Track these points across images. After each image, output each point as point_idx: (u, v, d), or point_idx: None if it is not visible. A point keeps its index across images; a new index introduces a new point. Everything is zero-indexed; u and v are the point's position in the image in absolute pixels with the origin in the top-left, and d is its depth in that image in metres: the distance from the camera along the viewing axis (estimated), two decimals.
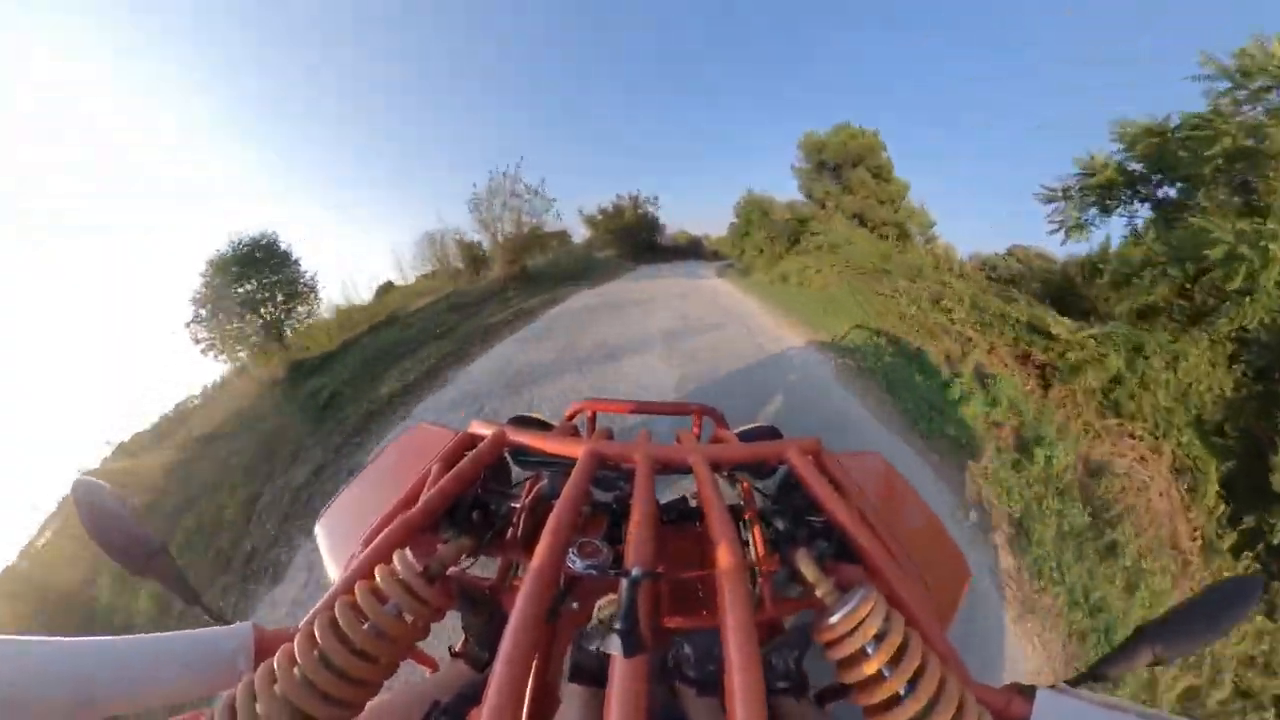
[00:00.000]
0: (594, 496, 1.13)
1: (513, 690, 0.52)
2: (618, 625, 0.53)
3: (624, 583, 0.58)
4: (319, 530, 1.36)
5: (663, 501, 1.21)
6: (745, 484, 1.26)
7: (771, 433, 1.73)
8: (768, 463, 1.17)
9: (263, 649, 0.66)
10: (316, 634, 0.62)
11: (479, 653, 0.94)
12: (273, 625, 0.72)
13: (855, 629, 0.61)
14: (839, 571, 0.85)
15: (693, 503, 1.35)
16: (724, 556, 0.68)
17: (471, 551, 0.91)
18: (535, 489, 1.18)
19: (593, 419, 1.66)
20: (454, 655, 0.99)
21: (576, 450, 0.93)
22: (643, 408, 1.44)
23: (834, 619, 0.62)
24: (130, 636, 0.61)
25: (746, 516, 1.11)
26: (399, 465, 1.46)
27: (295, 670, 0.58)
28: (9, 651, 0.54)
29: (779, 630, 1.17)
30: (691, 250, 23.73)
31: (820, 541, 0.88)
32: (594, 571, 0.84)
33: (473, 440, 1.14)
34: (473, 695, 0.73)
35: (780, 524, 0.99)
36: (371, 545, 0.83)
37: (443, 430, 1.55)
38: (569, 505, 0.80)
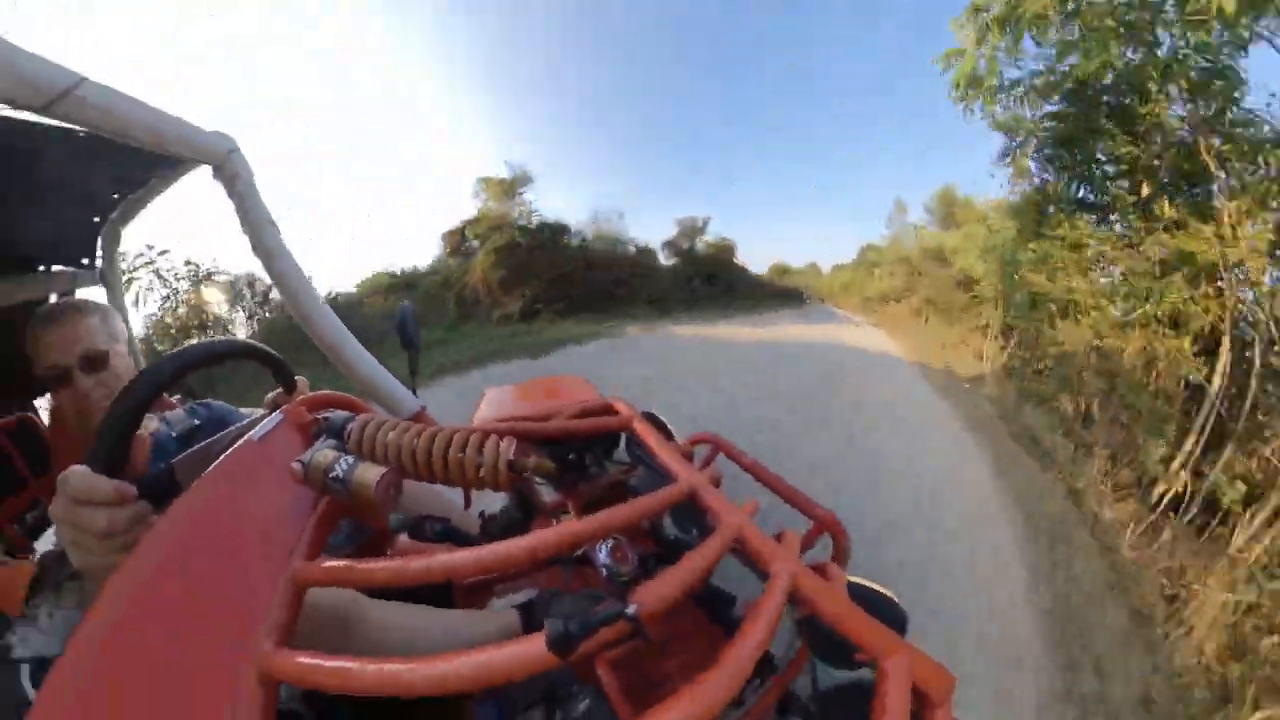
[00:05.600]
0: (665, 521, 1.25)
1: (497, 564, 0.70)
2: (572, 626, 0.56)
3: (615, 610, 0.60)
4: (487, 391, 2.41)
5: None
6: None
7: (890, 607, 1.15)
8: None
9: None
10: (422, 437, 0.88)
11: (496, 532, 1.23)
12: None
13: None
14: None
15: (739, 612, 1.28)
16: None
17: (552, 474, 1.04)
18: (621, 476, 1.36)
19: (711, 455, 1.64)
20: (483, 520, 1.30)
21: (686, 475, 0.96)
22: (770, 481, 1.30)
23: None
24: None
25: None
26: (552, 390, 2.25)
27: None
28: None
29: None
30: (791, 295, 26.60)
31: None
32: (604, 570, 0.88)
33: (609, 408, 1.31)
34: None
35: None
36: (491, 422, 1.07)
37: (593, 389, 2.17)
38: (641, 514, 0.85)
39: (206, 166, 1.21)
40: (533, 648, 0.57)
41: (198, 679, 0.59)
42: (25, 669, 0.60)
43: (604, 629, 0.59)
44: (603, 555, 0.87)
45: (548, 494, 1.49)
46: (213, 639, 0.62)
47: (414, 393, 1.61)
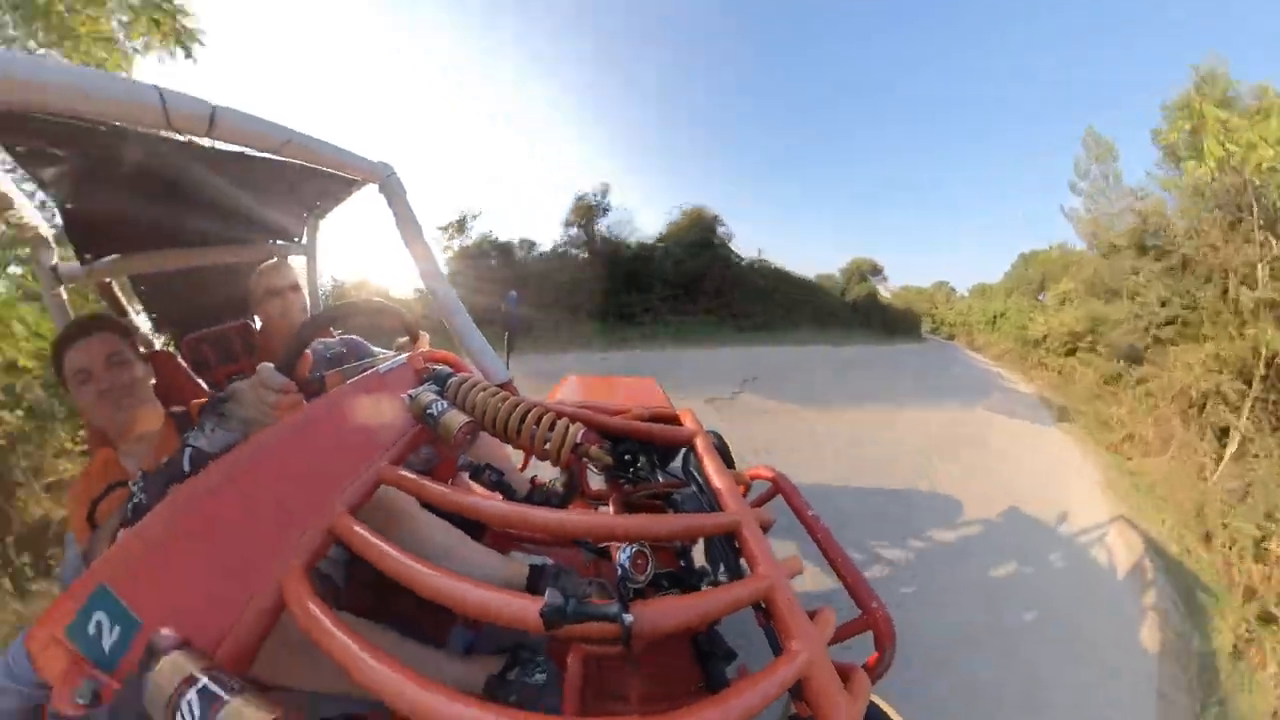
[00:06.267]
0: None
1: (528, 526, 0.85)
2: (568, 606, 0.60)
3: (612, 612, 0.61)
4: (569, 378, 2.64)
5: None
6: None
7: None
8: None
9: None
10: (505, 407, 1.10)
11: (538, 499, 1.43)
12: None
13: None
14: None
15: (731, 673, 1.20)
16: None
17: (606, 466, 1.19)
18: (669, 489, 1.35)
19: (768, 495, 1.54)
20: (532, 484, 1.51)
21: (734, 510, 0.91)
22: (828, 547, 1.14)
23: None
24: None
25: None
26: (628, 389, 2.42)
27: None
28: None
29: None
30: (903, 322, 21.69)
31: None
32: (620, 571, 0.84)
33: (677, 419, 1.37)
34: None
35: None
36: (567, 405, 1.24)
37: (664, 396, 2.33)
38: (674, 533, 0.88)
39: (373, 184, 1.62)
40: (528, 607, 0.62)
41: (287, 511, 0.84)
42: (189, 452, 0.95)
43: (595, 623, 0.61)
44: (624, 556, 0.84)
45: (596, 482, 1.54)
46: (307, 489, 0.88)
47: (506, 365, 1.86)
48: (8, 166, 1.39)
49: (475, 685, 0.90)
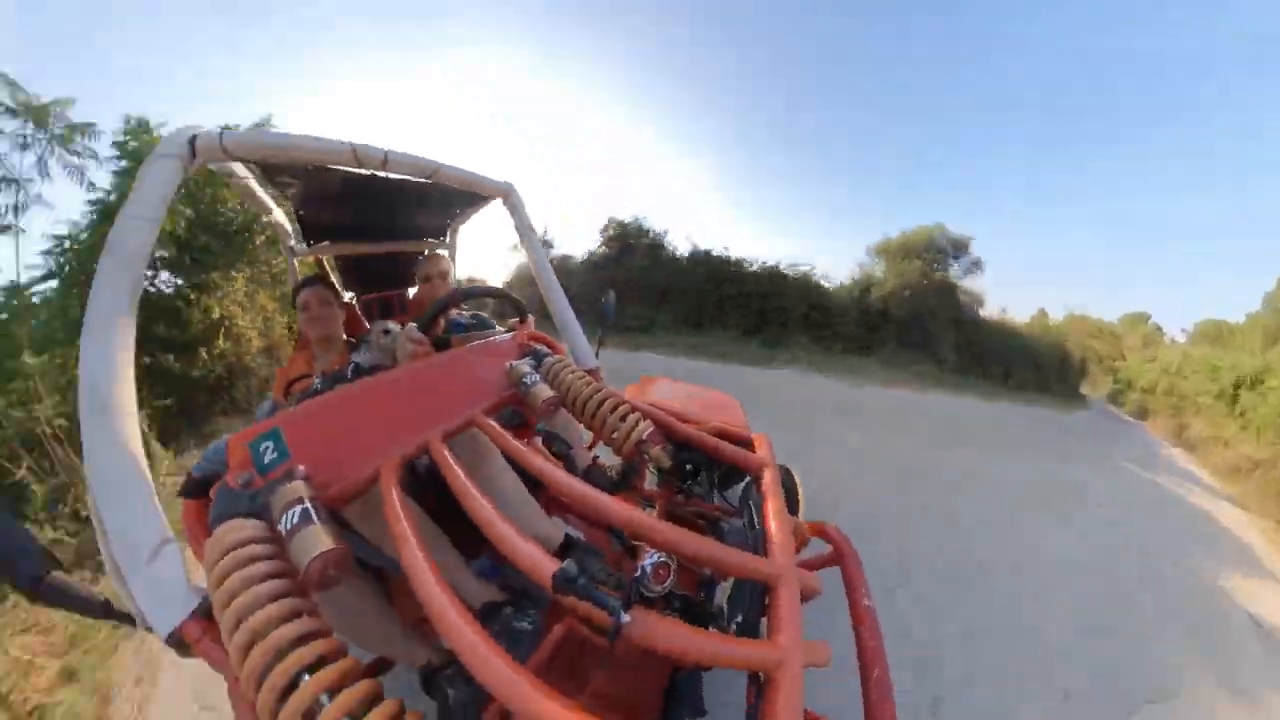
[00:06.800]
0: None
1: (576, 501, 0.96)
2: (580, 580, 0.66)
3: (613, 606, 0.65)
4: (657, 380, 2.66)
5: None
6: None
7: None
8: None
9: None
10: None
11: (593, 479, 1.55)
12: None
13: None
14: None
15: None
16: None
17: (663, 469, 1.25)
18: (718, 515, 1.39)
19: (828, 560, 1.30)
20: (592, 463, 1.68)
21: (780, 565, 0.84)
22: (868, 650, 0.97)
23: None
24: None
25: None
26: (708, 401, 2.36)
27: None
28: None
29: None
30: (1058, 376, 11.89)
31: None
32: (638, 572, 0.80)
33: (750, 443, 1.34)
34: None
35: None
36: (645, 402, 1.36)
37: (743, 416, 2.17)
38: (706, 563, 0.85)
39: (498, 200, 2.01)
40: (546, 565, 0.71)
41: (401, 423, 1.10)
42: (351, 366, 1.48)
43: (594, 607, 0.65)
44: (648, 561, 0.80)
45: (650, 481, 1.59)
46: (418, 412, 1.15)
47: (596, 354, 2.08)
48: (271, 190, 2.23)
49: (472, 603, 1.04)
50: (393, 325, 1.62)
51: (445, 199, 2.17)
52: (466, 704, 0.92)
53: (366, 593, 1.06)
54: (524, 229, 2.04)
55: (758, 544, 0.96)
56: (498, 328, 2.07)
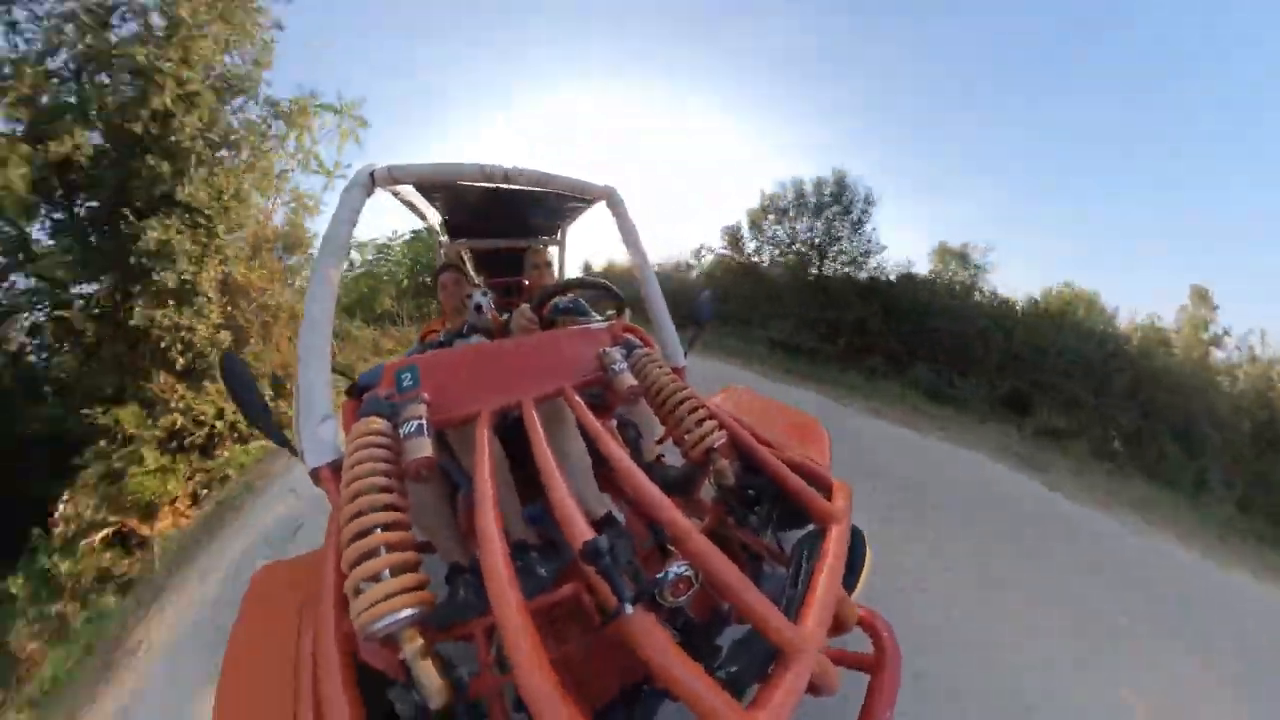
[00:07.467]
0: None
1: (630, 489, 1.28)
2: (604, 558, 0.70)
3: (622, 596, 0.68)
4: (743, 391, 2.68)
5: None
6: None
7: None
8: None
9: None
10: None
11: (654, 473, 1.59)
12: None
13: None
14: None
15: None
16: None
17: (723, 484, 1.26)
18: (763, 552, 1.38)
19: (871, 661, 1.06)
20: (657, 458, 1.74)
21: (812, 643, 0.75)
22: None
23: None
24: None
25: None
26: (795, 424, 2.13)
27: None
28: None
29: None
30: None
31: None
32: (658, 576, 0.77)
33: (829, 487, 1.26)
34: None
35: None
36: (726, 412, 1.44)
37: (827, 448, 1.96)
38: (732, 600, 0.83)
39: (602, 201, 2.26)
40: (582, 533, 0.78)
41: (503, 381, 1.33)
42: (466, 326, 1.95)
43: (608, 586, 0.69)
44: (672, 569, 0.77)
45: (706, 492, 1.53)
46: (517, 375, 1.36)
47: (685, 353, 2.12)
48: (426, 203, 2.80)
49: (511, 535, 1.18)
50: (481, 298, 1.95)
51: (557, 202, 2.51)
52: (468, 605, 1.11)
53: (440, 494, 1.32)
54: (625, 228, 2.22)
55: (792, 604, 0.87)
56: (593, 314, 2.25)
